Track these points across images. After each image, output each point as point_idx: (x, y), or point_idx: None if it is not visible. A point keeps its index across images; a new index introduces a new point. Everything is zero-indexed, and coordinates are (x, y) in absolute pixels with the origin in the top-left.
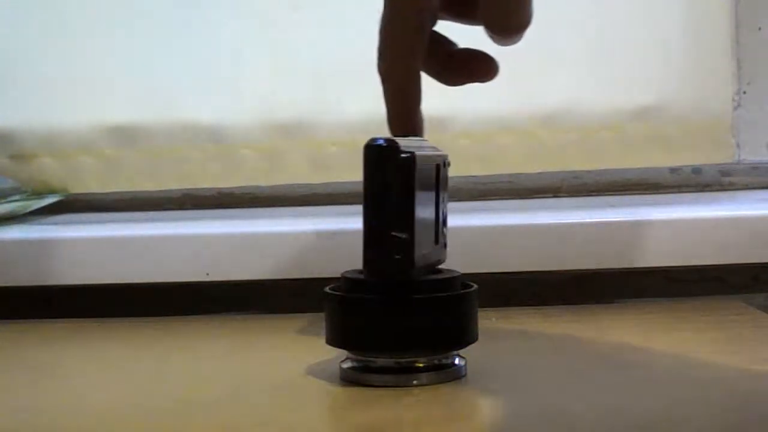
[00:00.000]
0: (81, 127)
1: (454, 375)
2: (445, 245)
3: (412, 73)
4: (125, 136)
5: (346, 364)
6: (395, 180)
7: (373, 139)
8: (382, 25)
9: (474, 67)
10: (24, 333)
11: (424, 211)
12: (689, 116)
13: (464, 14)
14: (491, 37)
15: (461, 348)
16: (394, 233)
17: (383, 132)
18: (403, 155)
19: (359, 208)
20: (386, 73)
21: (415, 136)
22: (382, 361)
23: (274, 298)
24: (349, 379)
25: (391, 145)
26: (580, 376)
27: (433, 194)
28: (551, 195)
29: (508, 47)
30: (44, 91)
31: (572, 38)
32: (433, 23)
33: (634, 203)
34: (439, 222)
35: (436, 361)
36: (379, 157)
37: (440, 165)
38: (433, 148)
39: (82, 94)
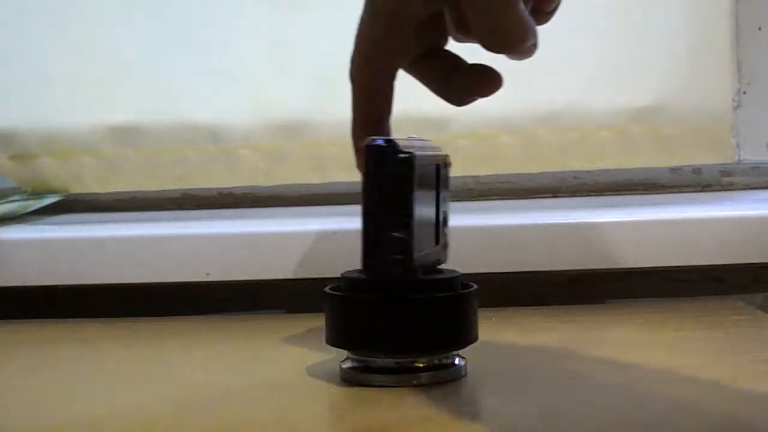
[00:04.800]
0: (81, 127)
1: (454, 375)
2: (446, 245)
3: (380, 81)
4: (125, 136)
5: (346, 364)
6: (394, 180)
7: (373, 139)
8: (358, 30)
9: (475, 83)
10: (24, 333)
11: (423, 211)
12: (689, 116)
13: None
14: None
15: (461, 348)
16: (393, 233)
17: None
18: (401, 155)
19: (359, 208)
20: (354, 78)
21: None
22: (382, 361)
23: (275, 298)
24: (349, 379)
25: (391, 145)
26: (579, 377)
27: (433, 194)
28: (551, 195)
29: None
30: (44, 91)
31: (572, 38)
32: (442, 42)
33: (634, 203)
34: (440, 222)
35: (436, 361)
36: (378, 157)
37: (440, 165)
38: (435, 148)
39: (82, 94)
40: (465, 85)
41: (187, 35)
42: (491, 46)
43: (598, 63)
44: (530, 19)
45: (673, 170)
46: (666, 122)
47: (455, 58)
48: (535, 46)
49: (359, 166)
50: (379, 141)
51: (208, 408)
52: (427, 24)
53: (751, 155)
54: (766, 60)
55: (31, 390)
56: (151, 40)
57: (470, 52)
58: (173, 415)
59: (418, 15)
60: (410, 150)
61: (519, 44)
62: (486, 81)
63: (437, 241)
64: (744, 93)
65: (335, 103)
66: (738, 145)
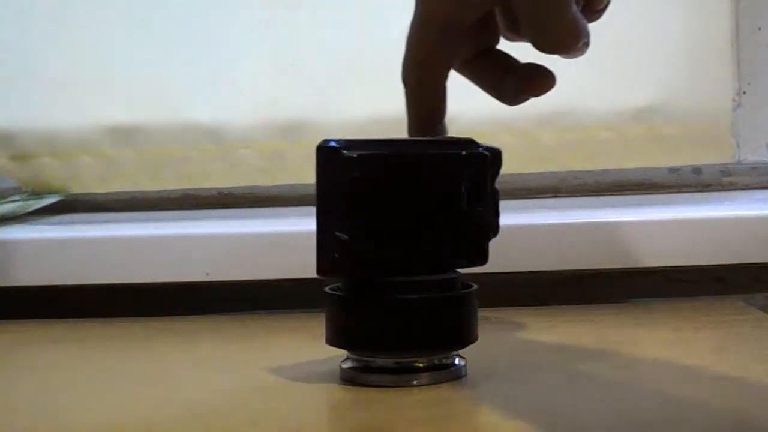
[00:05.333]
0: (81, 127)
1: (454, 375)
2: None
3: (432, 84)
4: (125, 136)
5: (346, 364)
6: (340, 181)
7: (325, 140)
8: (408, 34)
9: (528, 82)
10: (24, 333)
11: (389, 213)
12: (689, 116)
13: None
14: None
15: (461, 348)
16: (336, 233)
17: (384, 132)
18: (348, 156)
19: None
20: (407, 82)
21: None
22: (381, 361)
23: (275, 298)
24: (349, 379)
25: (339, 146)
26: (579, 376)
27: (417, 195)
28: (551, 195)
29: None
30: (44, 91)
31: None
32: (494, 42)
33: (634, 203)
34: (433, 224)
35: (436, 361)
36: (326, 158)
37: (422, 165)
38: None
39: (82, 94)
40: (518, 84)
41: (187, 35)
42: (544, 47)
43: (598, 63)
44: (582, 19)
45: (673, 170)
46: (666, 122)
47: (507, 58)
48: (587, 44)
49: None
50: (331, 142)
51: (207, 408)
52: (478, 25)
53: (751, 155)
54: (766, 60)
55: (31, 390)
56: (151, 40)
57: (522, 51)
58: (173, 415)
59: (470, 17)
60: (363, 151)
61: (572, 45)
62: (539, 80)
63: (424, 245)
64: (744, 93)
65: (335, 103)
66: (738, 145)
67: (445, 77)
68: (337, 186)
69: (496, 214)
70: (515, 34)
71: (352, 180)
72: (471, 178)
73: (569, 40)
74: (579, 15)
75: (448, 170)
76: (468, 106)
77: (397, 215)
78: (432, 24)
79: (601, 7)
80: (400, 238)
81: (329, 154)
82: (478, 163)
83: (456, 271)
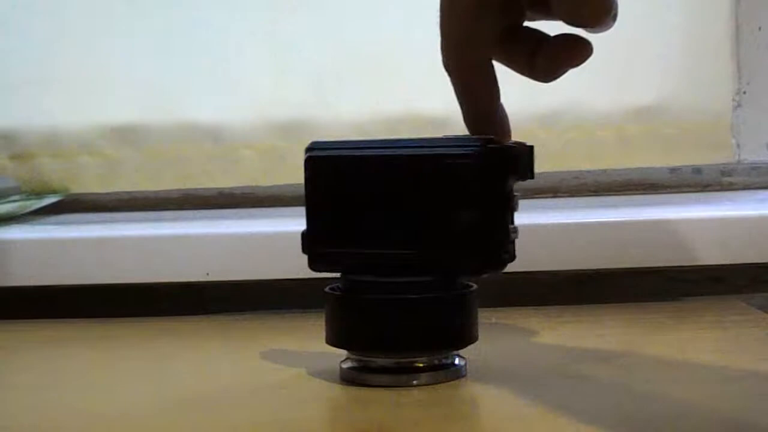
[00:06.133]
0: (81, 127)
1: (454, 375)
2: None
3: (475, 67)
4: (125, 136)
5: (346, 364)
6: (307, 180)
7: (314, 142)
8: (441, 19)
9: (564, 53)
10: (24, 333)
11: (359, 212)
12: (689, 116)
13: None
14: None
15: (461, 348)
16: (302, 232)
17: (383, 132)
18: (312, 157)
19: None
20: (449, 69)
21: (493, 133)
22: (381, 361)
23: (274, 298)
24: (349, 379)
25: (310, 147)
26: (579, 377)
27: (399, 195)
28: (551, 195)
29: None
30: (44, 91)
31: None
32: (520, 19)
33: (634, 203)
34: (413, 223)
35: (436, 361)
36: (305, 160)
37: (403, 165)
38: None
39: (82, 94)
40: (554, 56)
41: (187, 35)
42: (575, 18)
43: (598, 63)
44: None
45: (673, 170)
46: (666, 122)
47: (538, 33)
48: (615, 16)
49: None
50: (315, 143)
51: (208, 408)
52: (506, 3)
53: (751, 155)
54: (766, 60)
55: (31, 390)
56: (152, 40)
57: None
58: (173, 416)
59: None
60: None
61: (603, 15)
62: (576, 49)
63: (409, 245)
64: (744, 93)
65: (335, 103)
66: (738, 145)
67: (490, 57)
68: (307, 185)
69: (501, 217)
70: (540, 12)
71: (309, 180)
72: (451, 181)
73: (600, 11)
74: None
75: (430, 174)
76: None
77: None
78: (464, 2)
79: None
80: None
81: (306, 156)
82: (460, 166)
83: (455, 271)
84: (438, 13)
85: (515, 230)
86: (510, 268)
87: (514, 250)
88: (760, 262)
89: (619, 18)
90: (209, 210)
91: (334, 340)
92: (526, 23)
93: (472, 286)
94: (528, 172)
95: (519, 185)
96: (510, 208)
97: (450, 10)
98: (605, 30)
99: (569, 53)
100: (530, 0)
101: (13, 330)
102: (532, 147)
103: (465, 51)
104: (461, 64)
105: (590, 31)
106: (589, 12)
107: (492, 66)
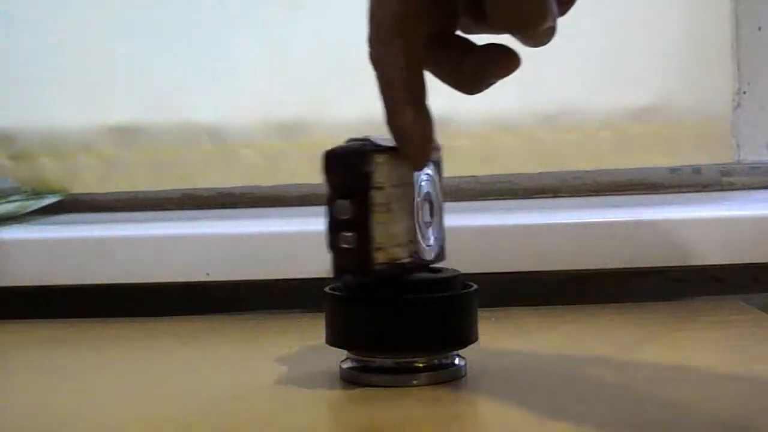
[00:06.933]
0: (81, 127)
1: (454, 375)
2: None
3: (403, 61)
4: (125, 136)
5: (346, 364)
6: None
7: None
8: (371, 7)
9: (490, 63)
10: (24, 333)
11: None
12: (689, 116)
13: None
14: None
15: (461, 348)
16: None
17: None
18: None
19: None
20: (375, 59)
21: (417, 135)
22: (381, 361)
23: (274, 298)
24: (349, 379)
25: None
26: (579, 377)
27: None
28: (551, 195)
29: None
30: (44, 91)
31: (572, 38)
32: (452, 25)
33: (634, 203)
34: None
35: (436, 361)
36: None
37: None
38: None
39: (82, 94)
40: (479, 66)
41: (187, 35)
42: (506, 24)
43: (598, 63)
44: (552, 0)
45: (673, 170)
46: (666, 122)
47: (467, 42)
48: (553, 30)
49: (414, 153)
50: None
51: (208, 408)
52: (438, 2)
53: (751, 155)
54: (766, 60)
55: (31, 390)
56: (152, 40)
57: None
58: (173, 415)
59: None
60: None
61: (537, 24)
62: (502, 60)
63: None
64: (744, 93)
65: (334, 103)
66: (738, 145)
67: (420, 50)
68: None
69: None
70: (475, 19)
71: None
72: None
73: (534, 19)
74: None
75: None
76: (467, 106)
77: None
78: None
79: None
80: None
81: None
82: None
83: (456, 271)
84: (368, 4)
85: None
86: (510, 268)
87: None
88: (760, 262)
89: (619, 18)
90: (209, 210)
91: (334, 340)
92: (462, 34)
93: (472, 286)
94: None
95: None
96: None
97: (379, 4)
98: (543, 44)
99: (496, 63)
100: (467, 6)
101: (13, 330)
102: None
103: (394, 47)
104: (391, 60)
105: (523, 42)
106: (520, 18)
107: (422, 62)
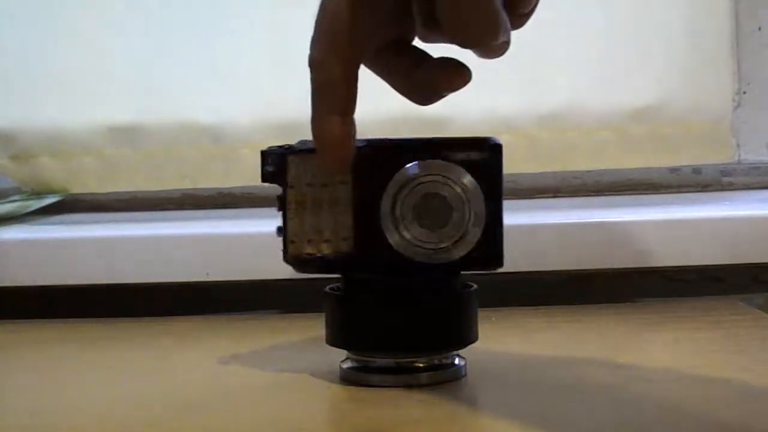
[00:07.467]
0: (81, 127)
1: (454, 375)
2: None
3: (341, 71)
4: (125, 136)
5: (346, 364)
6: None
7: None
8: (321, 11)
9: (440, 76)
10: (24, 333)
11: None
12: (689, 116)
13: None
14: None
15: (461, 348)
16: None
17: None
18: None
19: None
20: (315, 64)
21: (336, 145)
22: (382, 361)
23: (275, 298)
24: (349, 379)
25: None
26: (579, 377)
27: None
28: (551, 195)
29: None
30: (44, 91)
31: (572, 38)
32: (409, 36)
33: (634, 203)
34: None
35: (436, 361)
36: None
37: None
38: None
39: (82, 94)
40: (430, 78)
41: (187, 35)
42: (460, 37)
43: (598, 63)
44: (504, 15)
45: (673, 170)
46: (666, 122)
47: (421, 53)
48: (507, 44)
49: (330, 161)
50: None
51: (208, 408)
52: (395, 11)
53: (751, 155)
54: (766, 60)
55: (31, 390)
56: (152, 40)
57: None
58: (173, 416)
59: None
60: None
61: (490, 38)
62: (451, 73)
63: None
64: (744, 93)
65: None
66: (738, 145)
67: (359, 61)
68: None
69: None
70: (431, 29)
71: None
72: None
73: (488, 34)
74: (501, 10)
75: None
76: (467, 106)
77: None
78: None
79: (527, 10)
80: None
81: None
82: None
83: (456, 271)
84: (317, 7)
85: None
86: (510, 268)
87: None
88: (760, 262)
89: (619, 18)
90: (209, 210)
91: (334, 340)
92: (419, 43)
93: (472, 286)
94: None
95: (517, 185)
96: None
97: (335, 6)
98: (497, 56)
99: (447, 75)
100: (424, 16)
101: (13, 330)
102: None
103: (341, 51)
104: (333, 63)
105: (479, 55)
106: (474, 32)
107: (357, 73)
